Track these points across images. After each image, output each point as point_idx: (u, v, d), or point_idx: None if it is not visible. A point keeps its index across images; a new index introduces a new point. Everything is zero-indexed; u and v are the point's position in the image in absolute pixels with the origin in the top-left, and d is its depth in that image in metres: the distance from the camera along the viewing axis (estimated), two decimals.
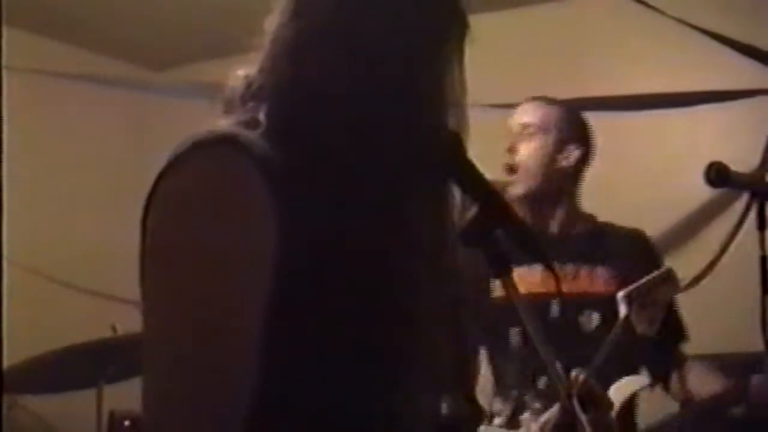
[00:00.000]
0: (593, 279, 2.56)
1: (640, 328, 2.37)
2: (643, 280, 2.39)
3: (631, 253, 2.60)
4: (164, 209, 1.12)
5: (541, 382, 2.42)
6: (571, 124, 2.66)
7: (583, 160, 2.66)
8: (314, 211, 1.11)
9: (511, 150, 2.60)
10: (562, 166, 2.61)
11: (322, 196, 1.13)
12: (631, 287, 2.37)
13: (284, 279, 1.09)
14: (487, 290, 2.54)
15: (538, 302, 2.41)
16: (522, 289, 2.45)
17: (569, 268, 2.55)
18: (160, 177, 1.13)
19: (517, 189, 2.57)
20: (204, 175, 1.11)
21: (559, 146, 2.61)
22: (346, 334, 1.13)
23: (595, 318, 2.52)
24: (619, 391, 2.40)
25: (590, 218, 2.68)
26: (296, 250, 1.09)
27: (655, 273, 2.41)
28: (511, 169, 2.59)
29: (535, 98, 2.73)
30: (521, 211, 2.50)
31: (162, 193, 1.12)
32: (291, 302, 1.10)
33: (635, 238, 2.66)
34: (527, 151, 2.59)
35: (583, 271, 2.56)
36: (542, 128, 2.61)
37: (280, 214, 1.09)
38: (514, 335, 2.50)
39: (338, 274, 1.12)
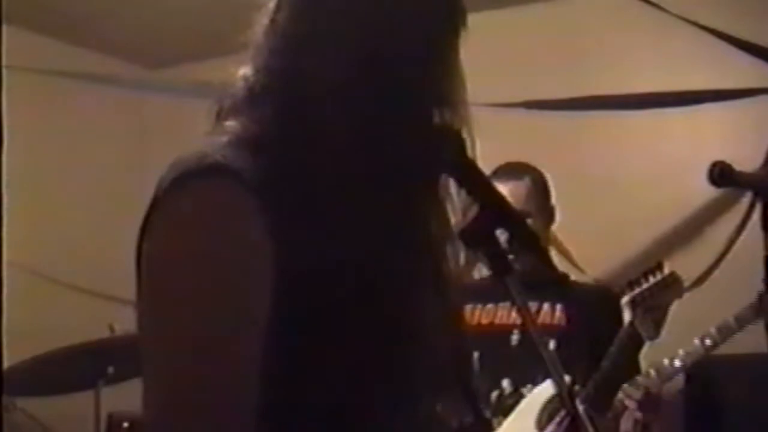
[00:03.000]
0: (553, 314, 2.68)
1: (645, 332, 2.38)
2: (647, 285, 2.40)
3: (595, 300, 2.71)
4: (160, 241, 1.11)
5: (492, 399, 2.62)
6: (544, 188, 2.76)
7: (547, 227, 2.77)
8: (311, 229, 1.10)
9: None
10: (550, 232, 2.76)
11: (320, 211, 1.11)
12: (634, 292, 2.39)
13: (282, 301, 1.08)
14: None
15: (501, 332, 2.67)
16: (486, 320, 2.67)
17: (532, 304, 2.64)
18: (153, 207, 1.11)
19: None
20: (197, 207, 1.09)
21: (544, 216, 2.72)
22: (347, 348, 1.12)
23: (551, 344, 2.60)
24: (539, 394, 2.54)
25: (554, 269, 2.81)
26: (293, 272, 1.08)
27: (659, 277, 2.41)
28: None
29: (499, 175, 2.70)
30: None
31: (156, 224, 1.11)
32: (290, 322, 1.09)
33: (597, 290, 2.82)
34: None
35: (545, 308, 2.69)
36: (527, 209, 2.67)
37: (276, 240, 1.08)
38: (475, 360, 2.63)
39: (337, 290, 1.11)
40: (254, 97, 1.17)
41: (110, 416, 3.23)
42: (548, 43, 4.18)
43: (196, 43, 4.50)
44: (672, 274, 2.45)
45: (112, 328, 3.09)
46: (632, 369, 2.51)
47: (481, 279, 2.88)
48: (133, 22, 4.45)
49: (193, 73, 4.48)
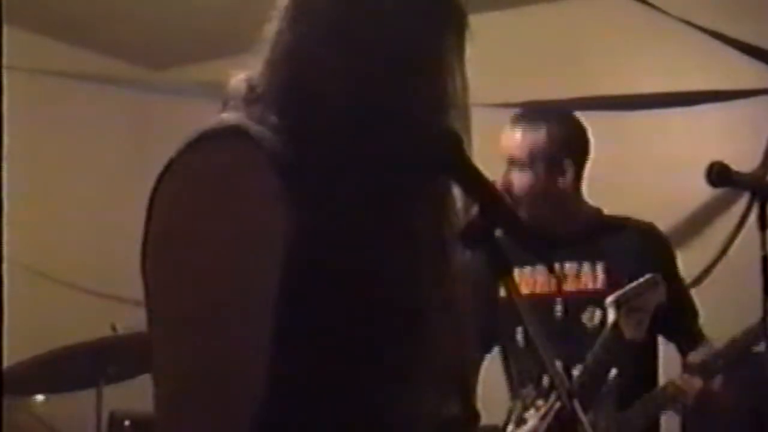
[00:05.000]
0: (595, 276, 2.58)
1: (629, 332, 2.40)
2: (631, 286, 2.42)
3: (639, 248, 2.61)
4: (172, 198, 1.11)
5: (545, 381, 2.48)
6: (562, 142, 2.61)
7: (581, 169, 2.65)
8: (323, 206, 1.11)
9: (505, 187, 2.54)
10: (558, 187, 2.59)
11: (331, 193, 1.13)
12: (618, 293, 2.41)
13: (293, 269, 1.09)
14: (497, 291, 2.54)
15: (543, 302, 2.53)
16: (526, 289, 2.55)
17: (571, 266, 2.58)
18: (169, 166, 1.12)
19: (521, 213, 2.54)
20: (215, 166, 1.10)
21: (552, 171, 2.58)
22: (353, 327, 1.13)
23: (597, 315, 2.55)
24: None
25: (595, 212, 2.68)
26: (306, 241, 1.09)
27: (642, 279, 2.43)
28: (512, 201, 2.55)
29: (518, 120, 2.64)
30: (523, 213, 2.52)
31: (171, 182, 1.11)
32: (300, 293, 1.10)
33: (645, 233, 2.66)
34: (520, 185, 2.57)
35: (585, 269, 2.58)
36: (531, 160, 2.57)
37: (291, 206, 1.09)
38: (519, 334, 2.55)
39: (344, 269, 1.12)
40: (257, 97, 1.19)
41: (112, 415, 3.23)
42: (548, 45, 4.19)
43: (198, 44, 4.51)
44: (655, 277, 2.46)
45: (113, 328, 3.09)
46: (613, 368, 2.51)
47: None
48: (135, 22, 4.45)
49: (195, 74, 4.49)
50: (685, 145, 3.87)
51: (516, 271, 2.50)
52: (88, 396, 3.10)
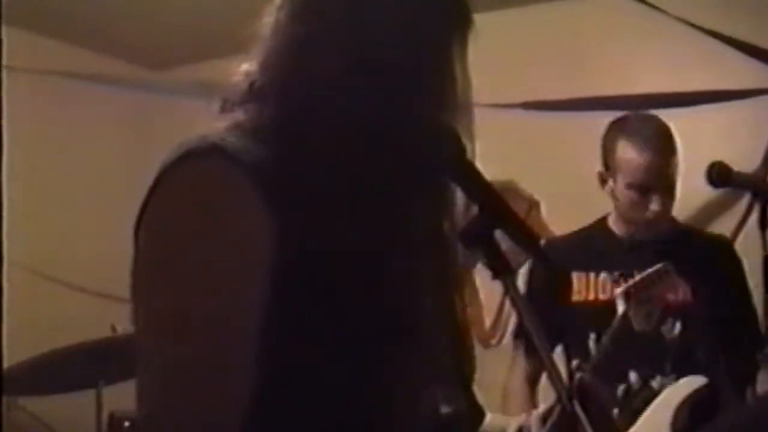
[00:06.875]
0: (676, 288, 2.52)
1: (638, 324, 2.37)
2: (640, 276, 2.39)
3: (712, 260, 2.59)
4: (156, 221, 1.12)
5: (619, 390, 2.47)
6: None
7: None
8: (310, 216, 1.11)
9: (662, 217, 2.53)
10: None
11: (319, 201, 1.12)
12: (628, 284, 2.38)
13: (280, 284, 1.09)
14: (563, 295, 2.58)
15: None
16: (603, 296, 2.53)
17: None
18: (152, 189, 1.12)
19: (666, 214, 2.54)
20: (194, 187, 1.11)
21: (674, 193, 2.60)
22: (343, 337, 1.12)
23: (677, 327, 2.53)
24: (676, 392, 2.42)
25: (671, 221, 2.66)
26: (291, 255, 1.09)
27: (652, 269, 2.41)
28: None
29: (650, 138, 2.62)
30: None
31: (154, 205, 1.12)
32: (287, 307, 1.09)
33: (718, 246, 2.66)
34: (667, 211, 2.57)
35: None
36: (672, 184, 2.57)
37: (274, 221, 1.09)
38: (591, 339, 2.55)
39: (335, 278, 1.11)
40: (254, 93, 1.18)
41: (111, 415, 3.23)
42: (548, 45, 4.18)
43: (197, 43, 4.51)
44: (665, 266, 2.44)
45: (113, 328, 3.09)
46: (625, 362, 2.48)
47: (578, 232, 2.72)
48: (135, 22, 4.45)
49: (195, 74, 4.48)
50: (685, 145, 3.84)
51: (591, 277, 2.55)
52: (87, 397, 3.10)
